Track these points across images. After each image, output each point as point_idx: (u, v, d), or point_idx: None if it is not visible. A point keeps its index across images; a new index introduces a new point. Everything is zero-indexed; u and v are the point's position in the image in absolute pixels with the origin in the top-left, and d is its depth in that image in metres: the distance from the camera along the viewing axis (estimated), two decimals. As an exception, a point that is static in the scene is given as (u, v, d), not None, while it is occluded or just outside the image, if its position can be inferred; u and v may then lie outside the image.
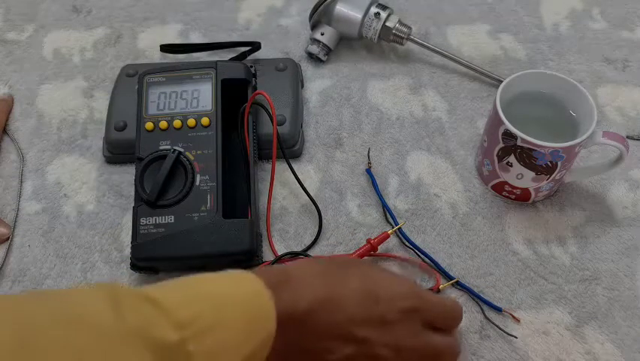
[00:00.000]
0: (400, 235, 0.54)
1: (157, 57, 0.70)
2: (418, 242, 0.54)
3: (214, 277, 0.36)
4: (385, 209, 0.56)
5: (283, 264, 0.41)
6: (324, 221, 0.56)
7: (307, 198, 0.56)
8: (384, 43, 0.70)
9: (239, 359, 0.34)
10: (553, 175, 0.52)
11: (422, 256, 0.53)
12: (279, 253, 0.53)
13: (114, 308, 0.30)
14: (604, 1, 0.75)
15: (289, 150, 0.59)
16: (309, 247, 0.54)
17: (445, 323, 0.44)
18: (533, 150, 0.49)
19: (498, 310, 0.50)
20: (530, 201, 0.56)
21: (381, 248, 0.53)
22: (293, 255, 0.53)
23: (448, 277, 0.52)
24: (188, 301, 0.33)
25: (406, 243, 0.54)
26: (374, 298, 0.40)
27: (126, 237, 0.55)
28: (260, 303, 0.35)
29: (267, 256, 0.54)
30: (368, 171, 0.58)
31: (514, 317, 0.50)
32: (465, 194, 0.58)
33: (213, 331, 0.32)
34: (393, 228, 0.54)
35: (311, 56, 0.68)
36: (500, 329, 0.49)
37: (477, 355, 0.48)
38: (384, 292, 0.40)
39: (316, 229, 0.55)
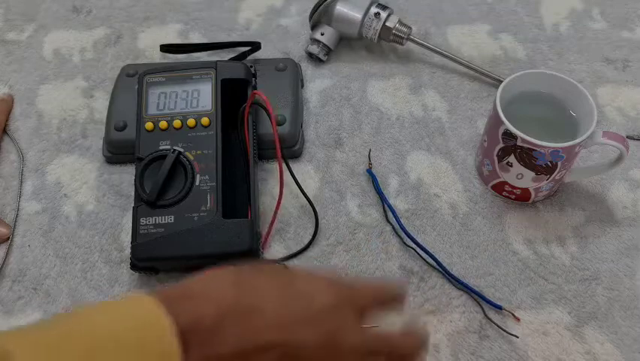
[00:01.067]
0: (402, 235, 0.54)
1: (157, 57, 0.70)
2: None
3: (98, 309, 0.30)
4: (389, 209, 0.56)
5: (189, 278, 0.35)
6: (324, 221, 0.56)
7: (307, 198, 0.56)
8: (384, 43, 0.70)
9: None
10: (553, 175, 0.52)
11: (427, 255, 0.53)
12: (278, 253, 0.53)
13: None
14: (604, 1, 0.75)
15: (289, 150, 0.59)
16: (307, 247, 0.54)
17: (381, 305, 0.39)
18: (533, 150, 0.49)
19: (498, 308, 0.50)
20: (530, 201, 0.56)
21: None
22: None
23: (454, 279, 0.52)
24: (49, 353, 0.27)
25: (407, 243, 0.54)
26: (293, 297, 0.35)
27: (126, 237, 0.55)
28: (151, 328, 0.29)
29: (267, 255, 0.54)
30: (369, 171, 0.58)
31: (514, 315, 0.49)
32: (465, 194, 0.58)
33: None
34: (392, 225, 0.53)
35: (311, 56, 0.68)
36: (501, 328, 0.49)
37: (476, 355, 0.48)
38: (304, 290, 0.36)
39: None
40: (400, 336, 0.38)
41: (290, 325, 0.34)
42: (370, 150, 0.60)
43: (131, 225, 0.52)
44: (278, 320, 0.34)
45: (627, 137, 0.55)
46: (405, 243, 0.54)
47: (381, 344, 0.37)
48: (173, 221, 0.50)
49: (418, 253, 0.53)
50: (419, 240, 0.54)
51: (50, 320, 0.29)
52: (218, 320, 0.32)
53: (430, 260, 0.53)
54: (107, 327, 0.29)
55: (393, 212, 0.55)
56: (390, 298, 0.39)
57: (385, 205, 0.56)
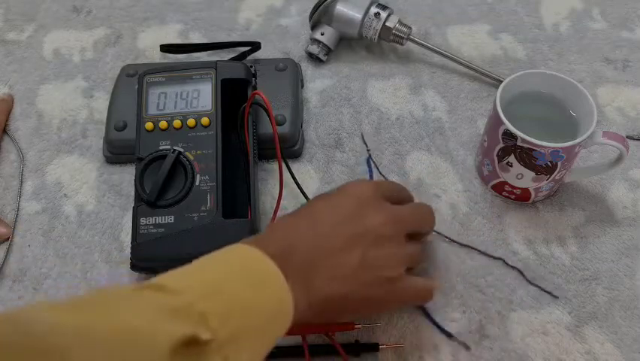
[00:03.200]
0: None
1: (157, 57, 0.70)
2: (417, 242, 0.54)
3: (209, 256, 0.38)
4: None
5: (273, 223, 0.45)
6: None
7: (307, 198, 0.56)
8: (384, 43, 0.70)
9: (258, 309, 0.36)
10: (553, 175, 0.52)
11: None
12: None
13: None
14: (604, 1, 0.75)
15: (289, 150, 0.59)
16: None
17: (420, 229, 0.48)
18: (533, 150, 0.49)
19: (448, 336, 0.49)
20: (530, 201, 0.56)
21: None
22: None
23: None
24: (183, 276, 0.35)
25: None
26: (344, 197, 0.44)
27: (126, 237, 0.55)
28: (254, 259, 0.37)
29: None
30: (368, 160, 0.58)
31: (465, 345, 0.48)
32: (465, 194, 0.58)
33: (218, 290, 0.34)
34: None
35: (311, 56, 0.68)
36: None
37: (476, 355, 0.48)
38: (349, 191, 0.45)
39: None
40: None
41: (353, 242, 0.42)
42: (362, 134, 0.61)
43: (131, 225, 0.52)
44: (328, 215, 0.43)
45: (627, 137, 0.55)
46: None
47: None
48: (173, 221, 0.50)
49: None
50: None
51: (181, 269, 0.36)
52: (288, 239, 0.40)
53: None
54: (219, 260, 0.38)
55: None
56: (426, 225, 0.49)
57: None
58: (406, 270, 0.44)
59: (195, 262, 0.37)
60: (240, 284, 0.36)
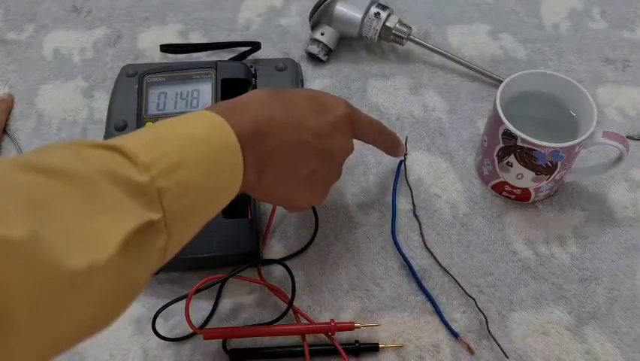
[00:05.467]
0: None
1: (157, 57, 0.70)
2: (416, 243, 0.54)
3: (176, 120, 0.37)
4: (392, 212, 0.56)
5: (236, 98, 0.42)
6: (323, 220, 0.56)
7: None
8: (384, 43, 0.70)
9: (209, 189, 0.36)
10: (553, 175, 0.52)
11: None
12: (277, 252, 0.54)
13: (79, 158, 0.31)
14: (604, 1, 0.75)
15: (289, 150, 0.59)
16: (307, 247, 0.54)
17: (376, 137, 0.51)
18: (533, 150, 0.49)
19: (455, 336, 0.49)
20: (530, 201, 0.56)
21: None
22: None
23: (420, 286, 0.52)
24: (150, 145, 0.34)
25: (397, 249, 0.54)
26: (319, 107, 0.44)
27: (126, 237, 0.55)
28: (221, 135, 0.37)
29: (267, 255, 0.54)
30: (400, 163, 0.58)
31: (469, 347, 0.48)
32: (465, 194, 0.58)
33: (179, 167, 0.34)
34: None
35: (311, 56, 0.68)
36: (497, 343, 0.49)
37: (476, 355, 0.48)
38: (327, 101, 0.45)
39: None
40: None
41: (317, 128, 0.43)
42: (407, 137, 0.61)
43: (131, 225, 0.51)
44: (307, 122, 0.42)
45: (627, 137, 0.55)
46: (401, 245, 0.54)
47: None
48: (173, 221, 0.50)
49: (406, 260, 0.53)
50: (418, 241, 0.54)
51: (140, 130, 0.36)
52: (260, 125, 0.39)
53: (429, 260, 0.53)
54: (188, 131, 0.36)
55: (394, 215, 0.55)
56: (386, 138, 0.52)
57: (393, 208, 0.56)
58: None
59: (164, 125, 0.37)
60: (201, 158, 0.35)
